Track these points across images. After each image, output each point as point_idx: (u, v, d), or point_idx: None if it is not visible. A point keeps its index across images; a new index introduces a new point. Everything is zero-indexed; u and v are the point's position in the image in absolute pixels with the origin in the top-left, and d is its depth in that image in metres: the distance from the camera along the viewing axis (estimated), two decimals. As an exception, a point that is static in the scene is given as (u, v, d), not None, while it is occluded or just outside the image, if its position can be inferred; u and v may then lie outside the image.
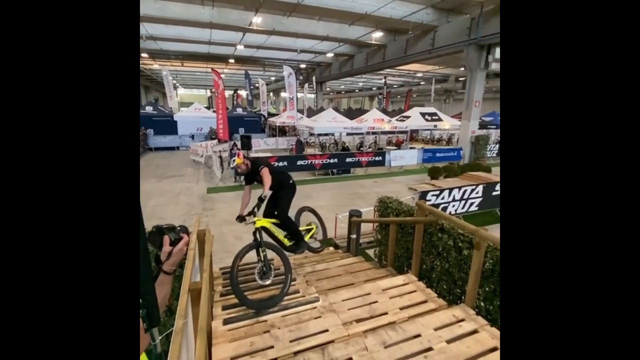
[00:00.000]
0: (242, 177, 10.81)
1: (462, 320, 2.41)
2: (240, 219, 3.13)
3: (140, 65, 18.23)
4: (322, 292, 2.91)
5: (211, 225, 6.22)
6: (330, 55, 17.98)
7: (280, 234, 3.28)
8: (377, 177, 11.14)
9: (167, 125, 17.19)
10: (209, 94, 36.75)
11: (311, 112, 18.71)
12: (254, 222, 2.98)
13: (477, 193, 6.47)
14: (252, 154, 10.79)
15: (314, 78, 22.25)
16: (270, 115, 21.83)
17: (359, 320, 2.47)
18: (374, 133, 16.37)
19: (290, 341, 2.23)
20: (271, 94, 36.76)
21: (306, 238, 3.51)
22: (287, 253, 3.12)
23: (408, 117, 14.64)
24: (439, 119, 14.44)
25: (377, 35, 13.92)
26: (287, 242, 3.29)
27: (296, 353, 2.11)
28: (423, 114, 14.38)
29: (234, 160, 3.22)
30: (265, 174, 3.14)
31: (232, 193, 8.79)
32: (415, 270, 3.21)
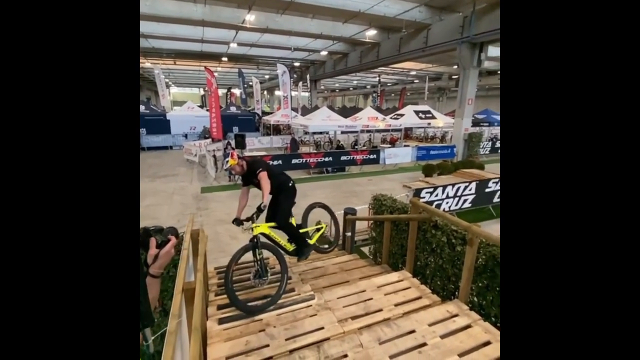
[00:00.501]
0: (238, 177, 10.70)
1: (456, 315, 2.43)
2: (237, 222, 2.93)
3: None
4: (317, 290, 2.91)
5: (205, 225, 6.18)
6: (324, 53, 17.94)
7: (282, 238, 3.09)
8: (372, 175, 11.18)
9: (160, 125, 16.99)
10: (202, 92, 36.41)
11: (305, 111, 18.66)
12: (252, 229, 2.80)
13: (470, 190, 6.54)
14: (247, 153, 10.73)
15: (308, 76, 22.18)
16: (265, 113, 21.74)
17: (354, 318, 2.48)
18: (368, 131, 16.41)
19: (286, 339, 2.23)
20: (265, 92, 36.57)
21: (314, 239, 3.29)
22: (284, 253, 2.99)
23: (402, 115, 14.71)
24: (433, 117, 14.54)
25: (371, 33, 13.92)
26: (289, 247, 3.10)
27: (292, 351, 2.12)
28: (417, 112, 14.46)
29: (227, 162, 2.97)
30: (264, 178, 2.86)
31: (227, 192, 8.74)
32: (410, 267, 3.24)
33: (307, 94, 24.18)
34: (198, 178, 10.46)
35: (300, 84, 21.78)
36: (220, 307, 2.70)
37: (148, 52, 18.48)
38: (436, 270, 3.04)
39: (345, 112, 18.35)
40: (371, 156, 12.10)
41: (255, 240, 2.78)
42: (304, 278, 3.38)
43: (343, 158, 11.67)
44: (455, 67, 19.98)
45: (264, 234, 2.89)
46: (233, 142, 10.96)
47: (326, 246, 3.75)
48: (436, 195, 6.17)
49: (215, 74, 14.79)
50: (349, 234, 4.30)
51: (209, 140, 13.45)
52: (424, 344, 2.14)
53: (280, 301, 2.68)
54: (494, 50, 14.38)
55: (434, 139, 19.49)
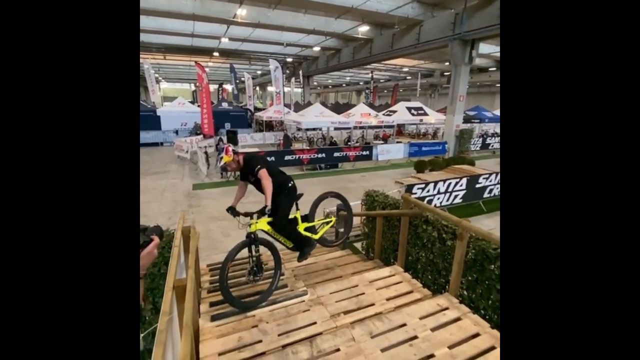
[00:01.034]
0: (230, 174, 10.47)
1: (446, 308, 2.48)
2: (233, 211, 2.73)
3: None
4: (310, 286, 2.93)
5: (198, 222, 6.13)
6: (317, 49, 17.84)
7: (281, 236, 2.88)
8: (365, 171, 11.23)
9: (150, 121, 16.67)
10: (193, 88, 35.87)
11: (298, 107, 18.57)
12: (249, 226, 2.61)
13: (461, 186, 6.63)
14: (239, 149, 10.63)
15: (300, 72, 22.05)
16: (257, 109, 21.53)
17: (346, 312, 2.51)
18: (361, 128, 16.44)
19: (279, 335, 2.24)
20: (257, 88, 36.21)
21: (320, 234, 3.06)
22: (279, 247, 2.83)
23: (395, 111, 14.78)
24: (425, 114, 14.65)
25: (364, 29, 13.89)
26: (290, 244, 2.89)
27: (284, 346, 2.13)
28: (409, 109, 14.55)
29: (221, 158, 2.77)
30: (265, 177, 2.59)
31: (219, 189, 8.67)
32: (402, 262, 3.28)
33: (299, 90, 24.06)
34: (189, 175, 10.34)
35: (293, 79, 21.66)
36: (212, 304, 2.69)
37: (137, 47, 18.04)
38: (427, 264, 3.09)
39: (339, 108, 18.33)
40: (364, 152, 12.14)
41: (253, 236, 2.63)
42: (297, 274, 3.39)
43: (336, 154, 11.68)
44: (447, 63, 20.12)
45: (262, 231, 2.72)
46: (225, 139, 10.85)
47: (334, 239, 3.54)
48: (428, 191, 6.23)
49: (207, 69, 14.58)
50: (342, 230, 4.32)
51: (201, 136, 13.28)
52: (415, 337, 2.17)
53: (273, 297, 2.68)
54: (485, 47, 14.51)
55: (426, 136, 19.64)
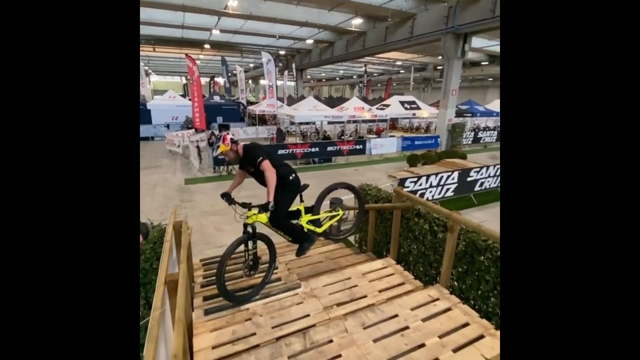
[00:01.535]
0: (223, 168, 10.38)
1: (437, 299, 2.53)
2: (227, 197, 2.55)
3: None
4: (303, 279, 2.95)
5: (190, 217, 6.09)
6: (310, 41, 17.64)
7: (279, 230, 2.72)
8: (358, 165, 11.25)
9: (140, 114, 16.34)
10: (184, 81, 35.20)
11: (291, 101, 18.42)
12: (247, 217, 2.46)
13: (452, 179, 6.71)
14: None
15: (293, 65, 21.82)
16: (250, 103, 21.30)
17: (339, 304, 2.54)
18: (354, 122, 16.42)
19: (272, 327, 2.26)
20: (250, 81, 35.77)
21: (323, 227, 2.89)
22: (275, 240, 2.72)
23: (388, 105, 14.78)
24: (418, 108, 14.69)
25: (357, 22, 13.77)
26: (289, 238, 2.75)
27: (278, 338, 2.15)
28: (402, 103, 14.57)
29: (218, 147, 2.48)
30: (268, 169, 2.37)
31: (212, 184, 8.60)
32: (394, 254, 3.32)
33: (293, 84, 23.83)
34: (181, 169, 10.23)
35: (286, 73, 21.43)
36: (206, 299, 2.69)
37: (125, 38, 17.56)
38: (419, 256, 3.14)
39: (332, 102, 18.24)
40: (357, 147, 12.16)
41: (251, 231, 2.50)
42: (291, 267, 3.41)
43: (330, 148, 11.67)
44: (440, 57, 20.14)
45: (261, 223, 2.56)
46: (217, 132, 10.71)
47: (341, 231, 3.37)
48: (420, 185, 6.29)
49: (198, 61, 14.30)
50: (335, 223, 4.34)
51: (192, 130, 13.10)
52: (406, 328, 2.22)
53: (266, 290, 2.70)
54: (477, 41, 14.55)
55: (418, 130, 19.74)
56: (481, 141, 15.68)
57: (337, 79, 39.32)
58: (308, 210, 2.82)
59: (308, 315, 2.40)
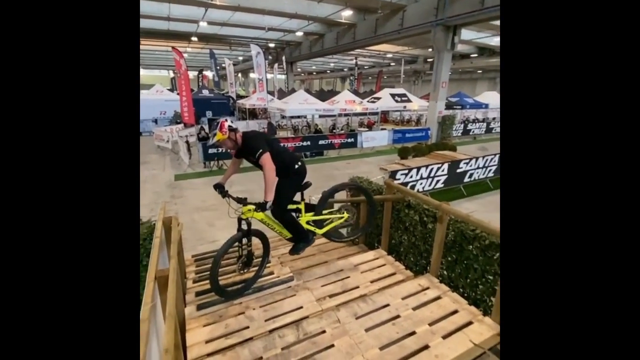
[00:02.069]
0: (214, 163, 10.24)
1: (427, 288, 2.59)
2: (220, 188, 2.44)
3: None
4: (296, 272, 2.97)
5: (181, 213, 6.02)
6: (299, 34, 17.41)
7: (279, 225, 2.58)
8: (350, 158, 11.28)
9: (126, 109, 15.91)
10: (171, 75, 34.38)
11: (282, 94, 18.24)
12: (242, 213, 2.35)
13: (442, 171, 6.80)
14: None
15: (283, 58, 21.53)
16: (239, 97, 20.99)
17: (332, 296, 2.57)
18: (346, 115, 16.40)
19: (266, 320, 2.28)
20: (239, 74, 35.20)
21: (325, 229, 2.71)
22: (269, 234, 2.62)
23: (379, 98, 14.78)
24: (409, 100, 14.74)
25: (347, 13, 13.63)
26: (287, 234, 2.61)
27: (271, 331, 2.17)
28: (393, 95, 14.59)
29: (214, 135, 2.29)
30: (268, 165, 2.21)
31: (202, 179, 8.51)
32: (385, 245, 3.37)
33: (283, 77, 23.56)
34: (171, 165, 10.07)
35: (276, 66, 21.13)
36: (198, 294, 2.69)
37: (108, 30, 16.98)
38: (409, 247, 3.19)
39: (323, 95, 18.13)
40: (349, 140, 12.16)
41: (246, 228, 2.40)
42: (284, 261, 3.42)
43: (321, 142, 11.64)
44: (430, 50, 20.18)
45: (258, 220, 2.45)
46: (207, 127, 10.57)
47: (344, 234, 3.13)
48: (411, 177, 6.36)
49: (185, 55, 13.97)
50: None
51: (181, 125, 12.85)
52: (398, 316, 2.27)
53: (259, 284, 2.70)
54: (467, 34, 14.61)
55: (409, 122, 19.85)
56: (470, 133, 15.89)
57: (328, 71, 39.04)
58: (309, 208, 2.67)
59: (301, 308, 2.42)
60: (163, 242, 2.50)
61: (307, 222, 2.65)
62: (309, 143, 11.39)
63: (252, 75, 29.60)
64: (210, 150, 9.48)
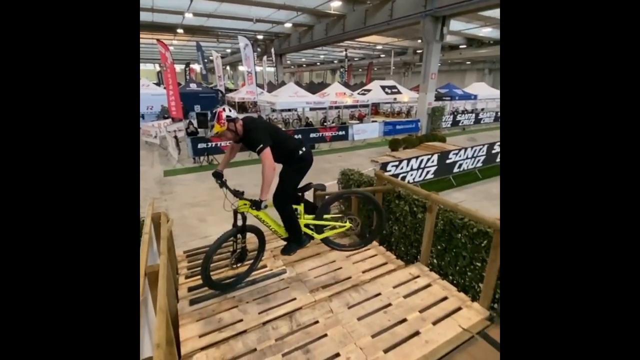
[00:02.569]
0: (203, 158, 10.06)
1: (418, 277, 2.64)
2: (219, 178, 2.35)
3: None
4: (289, 265, 2.98)
5: (171, 209, 5.95)
6: (288, 25, 17.13)
7: (275, 223, 2.45)
8: (341, 151, 11.28)
9: (112, 105, 15.46)
10: (157, 68, 33.48)
11: (272, 87, 18.02)
12: (238, 206, 2.27)
13: (432, 162, 6.88)
14: (211, 133, 10.22)
15: (272, 50, 21.19)
16: (228, 90, 20.63)
17: (324, 287, 2.60)
18: (337, 107, 16.34)
19: (259, 313, 2.30)
20: (228, 67, 34.53)
21: (323, 235, 2.56)
22: (266, 233, 2.53)
23: (369, 90, 14.76)
24: (399, 92, 14.77)
25: (336, 4, 13.47)
26: (283, 233, 2.47)
27: (265, 323, 2.19)
28: (383, 87, 14.59)
29: (212, 126, 2.18)
30: (268, 161, 2.08)
31: (192, 175, 8.39)
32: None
33: (272, 70, 23.20)
34: (160, 161, 9.89)
35: (265, 58, 20.80)
36: (191, 289, 2.68)
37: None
38: (400, 237, 3.24)
39: (313, 88, 18.00)
40: (340, 133, 12.14)
41: (242, 224, 2.33)
42: (276, 254, 3.43)
43: (312, 135, 11.59)
44: (420, 41, 20.16)
45: (253, 215, 2.34)
46: (195, 122, 10.38)
47: (348, 242, 2.96)
48: (402, 168, 6.41)
49: (171, 47, 13.59)
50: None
51: (169, 120, 12.60)
52: (389, 305, 2.31)
53: (252, 277, 2.71)
54: (455, 24, 14.63)
55: (400, 114, 19.92)
56: (460, 124, 16.06)
57: (318, 64, 38.66)
58: (309, 209, 2.54)
59: (294, 299, 2.44)
60: (152, 239, 2.47)
61: (306, 225, 2.50)
62: (300, 136, 11.33)
63: (240, 68, 29.05)
64: (200, 145, 9.34)
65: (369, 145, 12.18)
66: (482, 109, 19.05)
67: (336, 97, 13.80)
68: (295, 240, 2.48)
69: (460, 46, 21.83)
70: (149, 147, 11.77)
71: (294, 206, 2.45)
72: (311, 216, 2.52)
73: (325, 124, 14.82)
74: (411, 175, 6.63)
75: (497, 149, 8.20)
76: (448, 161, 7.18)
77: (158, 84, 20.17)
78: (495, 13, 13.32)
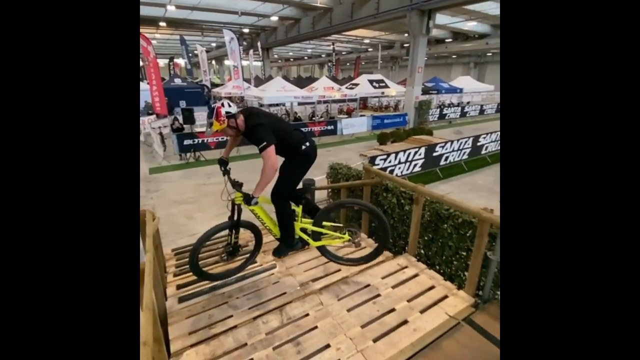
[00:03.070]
0: (190, 155, 9.87)
1: (405, 267, 2.69)
2: (224, 165, 2.28)
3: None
4: (278, 260, 2.99)
5: (158, 207, 5.84)
6: (274, 18, 16.86)
7: (270, 220, 2.36)
8: (330, 146, 11.28)
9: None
10: (140, 63, 32.46)
11: (259, 81, 17.77)
12: (234, 198, 2.20)
13: (419, 155, 6.97)
14: (197, 129, 10.03)
15: (259, 44, 20.85)
16: (214, 85, 20.24)
17: (314, 280, 2.62)
18: (325, 102, 16.28)
19: (249, 308, 2.30)
20: (213, 62, 33.80)
21: (320, 242, 2.41)
22: (263, 231, 2.44)
23: (357, 84, 14.76)
24: (386, 86, 14.83)
25: (322, -3, 13.32)
26: (277, 233, 2.38)
27: (255, 318, 2.19)
28: (371, 82, 14.61)
29: (210, 124, 2.03)
30: (269, 161, 1.95)
31: (179, 172, 8.24)
32: (365, 229, 3.44)
33: (259, 64, 22.86)
34: (145, 158, 9.65)
35: (252, 52, 20.46)
36: (180, 287, 2.65)
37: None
38: (389, 229, 3.28)
39: (301, 82, 17.85)
40: (329, 127, 12.13)
41: (237, 215, 2.26)
42: (266, 250, 3.42)
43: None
44: (406, 35, 20.24)
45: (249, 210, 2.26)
46: (181, 118, 10.14)
47: (352, 255, 2.62)
48: (389, 162, 6.48)
49: (153, 41, 13.15)
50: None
51: (154, 116, 12.28)
52: (378, 295, 2.35)
53: (242, 273, 2.70)
54: (441, 18, 14.72)
55: (388, 108, 20.03)
56: (446, 117, 16.29)
57: (306, 58, 38.31)
58: (308, 211, 2.44)
59: (284, 293, 2.46)
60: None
61: (303, 230, 2.38)
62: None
63: (226, 62, 28.50)
64: (186, 142, 9.16)
65: (357, 140, 12.22)
66: (468, 102, 19.37)
67: (324, 91, 13.75)
68: (286, 241, 2.36)
69: (446, 40, 22.03)
70: (133, 144, 11.44)
71: (293, 207, 2.33)
72: (310, 220, 2.37)
73: (313, 118, 14.76)
74: (399, 168, 6.70)
75: (482, 141, 8.38)
76: (435, 154, 7.29)
77: (141, 79, 19.57)
78: (480, 7, 13.49)
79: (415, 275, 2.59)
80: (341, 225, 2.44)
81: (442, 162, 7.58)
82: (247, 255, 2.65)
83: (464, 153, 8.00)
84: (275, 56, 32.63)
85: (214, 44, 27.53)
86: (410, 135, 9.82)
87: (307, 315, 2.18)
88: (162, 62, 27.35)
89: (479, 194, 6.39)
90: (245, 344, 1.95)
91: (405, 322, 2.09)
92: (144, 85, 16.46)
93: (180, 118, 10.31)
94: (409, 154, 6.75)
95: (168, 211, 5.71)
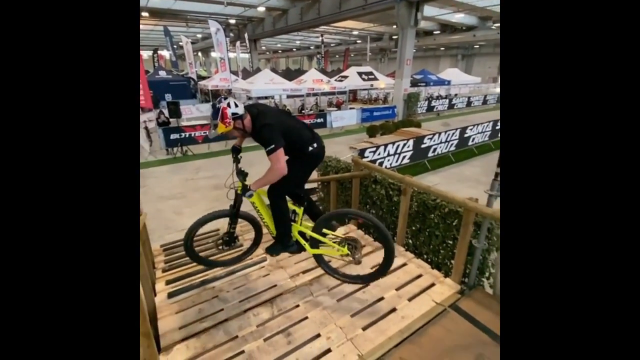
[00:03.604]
0: (177, 150, 9.67)
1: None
2: (235, 153, 2.20)
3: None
4: (268, 253, 2.99)
5: (145, 203, 5.73)
6: (261, 9, 16.50)
7: (269, 216, 2.24)
8: (320, 139, 11.27)
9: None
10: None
11: (247, 74, 17.47)
12: (237, 187, 2.11)
13: (408, 147, 7.04)
14: (184, 123, 9.82)
15: (246, 35, 20.41)
16: (201, 78, 19.79)
17: (305, 272, 2.64)
18: (314, 94, 16.17)
19: (240, 301, 2.30)
20: (199, 53, 32.97)
21: (317, 250, 2.23)
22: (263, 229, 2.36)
23: (346, 76, 14.69)
24: (375, 78, 14.81)
25: (310, -13, 13.09)
26: (274, 231, 2.27)
27: (246, 311, 2.20)
28: (360, 74, 14.56)
29: (215, 126, 1.89)
30: (277, 163, 1.84)
31: (166, 167, 8.09)
32: (355, 220, 3.48)
33: (247, 56, 22.41)
34: (130, 154, 9.42)
35: (239, 44, 20.03)
36: (169, 282, 2.63)
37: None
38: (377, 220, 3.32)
39: (290, 74, 17.64)
40: (318, 120, 12.08)
41: (237, 205, 2.19)
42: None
43: (290, 123, 11.45)
44: (395, 27, 20.19)
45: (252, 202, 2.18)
46: (166, 111, 9.91)
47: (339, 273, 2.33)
48: (379, 154, 6.52)
49: (135, 31, 12.69)
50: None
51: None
52: (367, 285, 2.39)
53: (232, 267, 2.70)
54: (430, 10, 14.73)
55: (377, 101, 20.07)
56: (434, 109, 16.45)
57: (294, 50, 37.79)
58: (309, 212, 2.35)
59: (275, 286, 2.47)
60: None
61: (301, 234, 2.25)
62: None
63: (213, 54, 27.81)
64: (173, 136, 8.98)
65: (347, 133, 12.23)
66: (456, 95, 19.58)
67: (313, 83, 13.64)
68: (282, 241, 2.25)
69: (434, 32, 22.09)
70: (118, 139, 11.14)
71: (293, 207, 2.22)
72: (310, 225, 2.24)
73: (303, 111, 14.65)
74: (388, 160, 6.76)
75: (469, 132, 8.51)
76: (423, 146, 7.38)
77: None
78: (467, -1, 13.53)
79: (404, 265, 2.64)
80: (342, 236, 2.27)
81: (431, 154, 7.69)
82: (242, 248, 2.60)
83: (452, 145, 8.12)
84: (263, 48, 32.09)
85: (199, 35, 26.80)
86: (399, 127, 9.90)
87: (297, 306, 2.21)
88: (146, 54, 26.49)
89: (467, 184, 6.52)
90: (236, 337, 1.96)
91: (393, 310, 2.14)
92: (127, 78, 15.95)
93: (165, 112, 10.08)
94: (398, 146, 6.81)
95: (156, 207, 5.61)
